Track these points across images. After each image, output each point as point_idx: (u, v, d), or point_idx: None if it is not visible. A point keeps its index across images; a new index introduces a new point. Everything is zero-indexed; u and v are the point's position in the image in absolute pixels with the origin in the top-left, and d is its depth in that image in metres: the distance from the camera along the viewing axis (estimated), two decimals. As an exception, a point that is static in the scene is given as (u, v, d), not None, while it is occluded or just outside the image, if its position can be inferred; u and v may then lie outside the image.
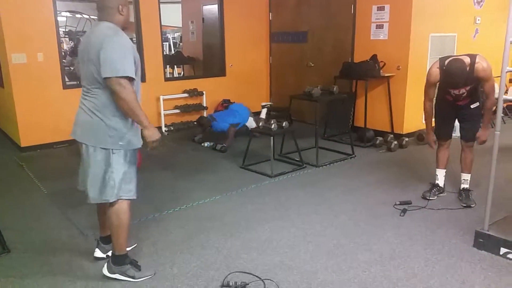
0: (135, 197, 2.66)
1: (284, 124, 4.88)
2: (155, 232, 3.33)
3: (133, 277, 2.70)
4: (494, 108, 3.41)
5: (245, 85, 7.73)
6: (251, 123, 6.15)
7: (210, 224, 3.45)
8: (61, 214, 3.73)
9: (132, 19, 6.34)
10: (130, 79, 2.42)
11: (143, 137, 2.57)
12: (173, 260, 2.91)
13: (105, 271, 2.72)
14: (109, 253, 2.84)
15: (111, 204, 2.59)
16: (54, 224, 3.52)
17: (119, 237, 2.64)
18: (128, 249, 2.84)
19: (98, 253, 2.92)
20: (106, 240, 2.91)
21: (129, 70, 2.40)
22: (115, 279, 2.70)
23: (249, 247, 3.06)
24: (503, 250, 2.87)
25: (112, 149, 2.51)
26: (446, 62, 3.42)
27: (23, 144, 5.69)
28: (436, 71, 3.52)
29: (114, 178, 2.53)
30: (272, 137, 4.67)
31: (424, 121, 3.91)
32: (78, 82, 8.29)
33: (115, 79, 2.36)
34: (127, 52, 2.42)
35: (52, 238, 3.27)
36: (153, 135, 2.53)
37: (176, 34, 12.89)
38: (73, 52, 9.99)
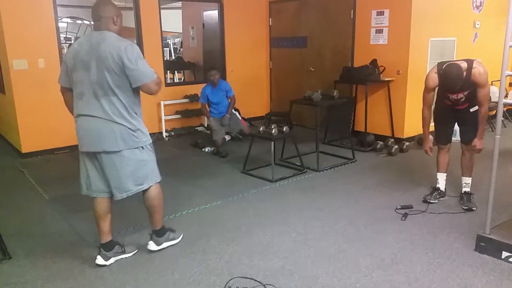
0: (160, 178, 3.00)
1: (284, 129, 4.89)
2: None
3: (174, 239, 3.17)
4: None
5: (245, 90, 7.74)
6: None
7: (211, 230, 3.45)
8: (62, 220, 3.73)
9: (132, 24, 6.40)
10: (158, 79, 2.75)
11: None
12: (174, 266, 2.90)
13: (152, 247, 3.06)
14: (113, 259, 2.97)
15: (146, 191, 2.91)
16: (55, 230, 3.52)
17: (159, 214, 3.03)
18: (129, 255, 3.02)
19: (100, 261, 2.92)
20: (108, 247, 2.96)
21: (152, 73, 2.68)
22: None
23: (250, 252, 3.06)
24: (505, 254, 2.87)
25: (141, 146, 2.79)
26: (444, 67, 3.43)
27: (24, 150, 5.70)
28: (434, 76, 3.53)
29: (146, 169, 2.85)
30: (272, 142, 4.67)
31: (422, 126, 3.90)
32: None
33: (151, 82, 2.67)
34: (143, 57, 2.69)
35: (53, 244, 3.26)
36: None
37: (177, 40, 12.95)
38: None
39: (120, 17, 2.75)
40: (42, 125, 5.73)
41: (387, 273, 2.77)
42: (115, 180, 2.79)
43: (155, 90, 2.71)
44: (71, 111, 2.87)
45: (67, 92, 2.84)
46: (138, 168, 2.80)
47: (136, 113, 2.77)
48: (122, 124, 2.68)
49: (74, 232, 3.47)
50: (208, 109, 6.33)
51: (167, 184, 4.52)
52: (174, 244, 3.16)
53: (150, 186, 2.90)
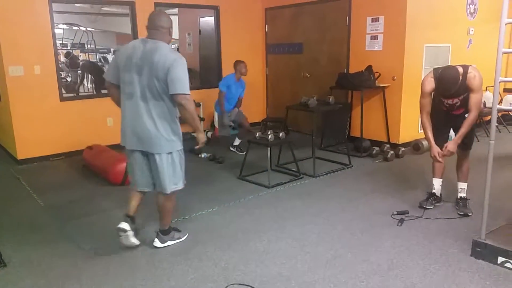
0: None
1: (281, 135, 4.90)
2: (152, 244, 3.30)
3: (179, 238, 3.35)
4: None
5: (241, 96, 7.76)
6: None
7: (207, 236, 3.44)
8: (58, 227, 3.72)
9: (129, 31, 6.42)
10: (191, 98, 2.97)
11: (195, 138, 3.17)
12: (170, 272, 2.89)
13: (157, 243, 3.25)
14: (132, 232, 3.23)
15: (167, 194, 3.13)
16: (51, 238, 3.50)
17: (169, 216, 3.28)
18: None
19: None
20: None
21: (188, 88, 2.90)
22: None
23: (246, 259, 3.05)
24: (500, 259, 2.88)
25: (178, 150, 3.08)
26: (440, 70, 3.46)
27: (20, 157, 5.68)
28: (430, 81, 3.55)
29: (180, 172, 3.14)
30: (269, 148, 4.68)
31: (424, 134, 3.85)
32: (74, 94, 8.34)
33: (182, 95, 2.87)
34: (186, 73, 2.91)
35: (48, 252, 3.24)
36: (203, 137, 3.17)
37: (173, 46, 12.99)
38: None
39: (172, 27, 3.06)
40: (38, 132, 5.72)
41: (383, 278, 2.77)
42: (158, 179, 3.09)
43: (184, 104, 2.89)
44: (118, 104, 3.13)
45: (113, 87, 3.10)
46: (174, 170, 3.09)
47: (175, 120, 3.04)
48: (165, 128, 2.97)
49: (70, 239, 3.46)
50: None
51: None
52: (179, 242, 3.33)
53: (175, 189, 3.16)
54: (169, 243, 3.28)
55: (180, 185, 3.17)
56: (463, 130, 3.53)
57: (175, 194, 3.22)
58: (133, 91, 2.94)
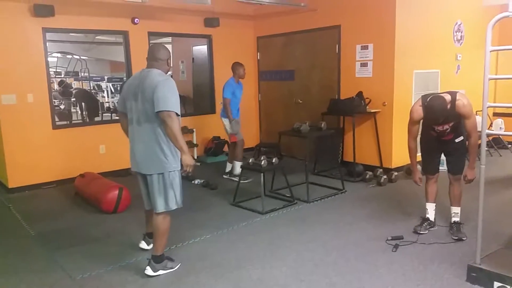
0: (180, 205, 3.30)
1: (274, 160, 4.90)
2: (143, 274, 3.23)
3: (171, 268, 3.29)
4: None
5: (234, 122, 7.80)
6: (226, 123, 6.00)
7: (200, 265, 3.39)
8: (48, 256, 3.64)
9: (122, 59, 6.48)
10: (175, 114, 2.98)
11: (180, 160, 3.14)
12: (163, 303, 2.83)
13: (148, 272, 3.20)
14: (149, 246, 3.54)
15: (158, 214, 3.19)
16: (40, 267, 3.42)
17: (163, 241, 3.24)
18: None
19: (143, 245, 3.60)
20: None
21: (176, 107, 2.99)
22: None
23: (240, 288, 3.00)
24: (496, 284, 2.85)
25: (172, 171, 3.13)
26: (428, 99, 3.51)
27: (11, 185, 5.61)
28: (419, 109, 3.60)
29: (173, 193, 3.18)
30: (262, 174, 4.67)
31: (409, 158, 3.93)
32: (68, 122, 8.34)
33: (166, 112, 2.94)
34: (175, 93, 3.03)
35: (37, 281, 3.17)
36: (189, 160, 3.08)
37: (169, 73, 13.09)
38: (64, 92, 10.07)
39: (169, 58, 3.25)
40: (30, 160, 5.68)
41: (379, 306, 2.73)
42: (152, 198, 3.20)
43: (167, 121, 2.95)
44: (126, 133, 3.36)
45: (123, 116, 3.33)
46: (165, 190, 3.14)
47: (167, 141, 3.09)
48: (155, 150, 3.09)
49: (60, 268, 3.38)
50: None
51: (156, 218, 4.47)
52: (170, 272, 3.29)
53: (162, 212, 3.20)
54: (160, 272, 3.23)
55: (172, 206, 3.19)
56: (472, 156, 3.64)
57: (168, 216, 3.24)
58: (131, 116, 3.18)
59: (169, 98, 2.97)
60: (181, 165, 3.13)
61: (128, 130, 3.26)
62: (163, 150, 3.08)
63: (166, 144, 3.09)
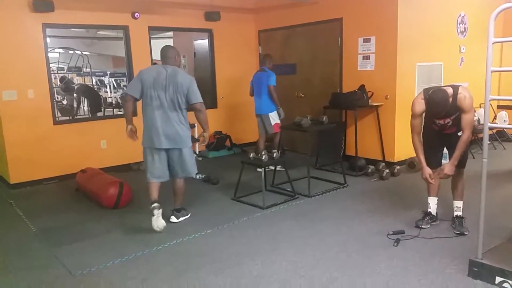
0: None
1: (275, 155, 4.88)
2: (143, 269, 3.25)
3: (187, 215, 4.32)
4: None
5: (236, 117, 7.78)
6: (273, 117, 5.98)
7: (200, 260, 3.38)
8: (49, 252, 3.64)
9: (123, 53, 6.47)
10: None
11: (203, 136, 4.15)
12: (162, 299, 2.83)
13: (173, 219, 4.20)
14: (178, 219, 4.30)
15: (182, 178, 4.19)
16: (41, 264, 3.42)
17: (182, 197, 4.27)
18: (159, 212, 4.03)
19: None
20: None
21: (201, 98, 4.01)
22: None
23: (240, 284, 2.99)
24: (498, 279, 2.82)
25: (189, 146, 4.12)
26: (430, 92, 3.47)
27: (13, 181, 5.62)
28: (421, 102, 3.55)
29: (194, 161, 4.20)
30: (263, 168, 4.65)
31: (416, 155, 3.85)
32: (70, 117, 8.34)
33: (199, 103, 3.99)
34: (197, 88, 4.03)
35: (37, 278, 3.17)
36: (207, 136, 4.15)
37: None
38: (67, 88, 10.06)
39: (179, 56, 4.20)
40: (31, 156, 5.68)
41: (379, 301, 2.71)
42: (185, 167, 4.11)
43: (201, 109, 4.00)
44: (128, 115, 4.13)
45: (132, 100, 4.07)
46: (192, 160, 4.16)
47: (188, 124, 4.09)
48: (184, 130, 4.04)
49: (60, 265, 3.38)
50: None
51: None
52: (187, 218, 4.31)
53: (192, 175, 4.24)
54: (181, 218, 4.23)
55: (196, 171, 4.25)
56: (458, 152, 3.52)
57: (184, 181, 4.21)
58: (160, 103, 3.94)
59: (199, 93, 4.00)
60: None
61: (154, 114, 3.96)
62: (186, 130, 4.05)
63: (187, 126, 4.07)
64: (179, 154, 4.06)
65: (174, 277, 3.11)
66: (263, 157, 4.68)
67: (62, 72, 11.14)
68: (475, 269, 2.93)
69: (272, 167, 5.34)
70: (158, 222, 3.88)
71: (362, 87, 5.90)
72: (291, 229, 3.97)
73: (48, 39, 5.85)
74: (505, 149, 7.02)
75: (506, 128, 7.39)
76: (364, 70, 6.07)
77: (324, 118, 5.34)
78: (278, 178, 5.29)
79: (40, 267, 3.36)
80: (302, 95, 7.12)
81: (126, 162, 6.38)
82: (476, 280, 2.90)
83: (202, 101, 3.99)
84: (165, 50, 4.10)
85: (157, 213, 3.90)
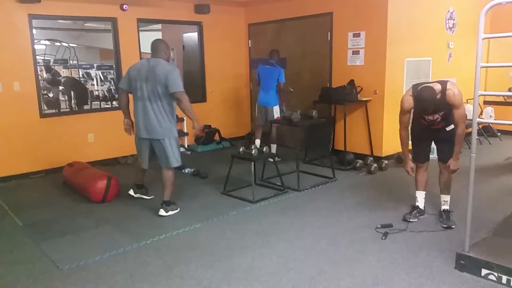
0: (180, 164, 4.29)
1: (264, 149, 4.87)
2: (132, 263, 3.23)
3: (176, 209, 4.27)
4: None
5: (226, 111, 7.76)
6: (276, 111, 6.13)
7: (189, 254, 3.37)
8: (36, 246, 3.60)
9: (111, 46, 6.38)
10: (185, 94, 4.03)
11: (193, 127, 4.16)
12: (152, 293, 2.81)
13: (162, 213, 4.16)
14: (139, 195, 4.67)
15: (168, 169, 4.19)
16: (28, 258, 3.38)
17: (170, 189, 4.22)
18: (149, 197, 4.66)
19: (162, 213, 4.21)
20: (139, 187, 4.66)
21: (182, 88, 4.01)
22: None
23: (230, 277, 2.99)
24: (484, 272, 2.87)
25: (174, 137, 4.16)
26: (418, 89, 3.49)
27: (-2, 175, 5.53)
28: (409, 99, 3.58)
29: (176, 153, 4.18)
30: (253, 162, 4.64)
31: (401, 149, 3.92)
32: (56, 110, 8.23)
33: (179, 93, 3.98)
34: (179, 78, 4.04)
35: (24, 273, 3.12)
36: (198, 126, 4.15)
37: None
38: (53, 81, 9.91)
39: (168, 49, 4.20)
40: (17, 149, 5.59)
41: (368, 294, 2.73)
42: (165, 158, 4.14)
43: (181, 98, 3.99)
44: (123, 108, 4.31)
45: (125, 94, 4.26)
46: (173, 150, 4.14)
47: (171, 115, 4.11)
48: (164, 121, 4.06)
49: (48, 259, 3.34)
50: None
51: (144, 207, 4.46)
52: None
53: (175, 166, 4.19)
54: (170, 212, 4.19)
55: (179, 162, 4.21)
56: (457, 146, 3.60)
57: (172, 171, 4.20)
58: (141, 94, 4.05)
59: (179, 83, 3.99)
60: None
61: (137, 104, 4.10)
62: (166, 122, 4.06)
63: (169, 118, 4.07)
64: (160, 145, 4.12)
65: (163, 271, 3.10)
66: (253, 151, 4.67)
67: (49, 64, 10.94)
68: (462, 262, 2.98)
69: (271, 160, 5.38)
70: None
71: (351, 82, 5.92)
72: (280, 223, 3.98)
73: (34, 31, 5.74)
74: (490, 144, 7.12)
75: (494, 124, 7.49)
76: (354, 65, 6.09)
77: (313, 113, 5.35)
78: (268, 172, 5.29)
79: (27, 261, 3.31)
80: (292, 89, 7.10)
81: (113, 156, 6.32)
82: (463, 273, 2.95)
83: (182, 90, 3.97)
84: (155, 44, 4.15)
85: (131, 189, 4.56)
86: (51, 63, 10.86)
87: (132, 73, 4.11)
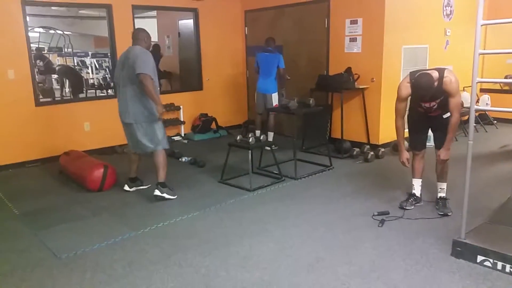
0: (168, 147, 4.40)
1: (262, 137, 4.86)
2: (131, 251, 3.23)
3: (172, 196, 4.31)
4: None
5: (222, 99, 7.73)
6: (275, 98, 6.15)
7: (187, 242, 3.38)
8: (33, 235, 3.59)
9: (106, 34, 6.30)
10: (150, 77, 3.99)
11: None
12: (150, 281, 2.82)
13: (157, 193, 4.23)
14: (134, 188, 4.62)
15: (156, 152, 4.27)
16: (24, 246, 3.38)
17: (162, 171, 4.28)
18: (146, 187, 4.67)
19: (126, 187, 4.56)
20: (132, 180, 4.62)
21: (148, 71, 3.98)
22: None
23: (227, 265, 3.00)
24: (480, 258, 2.90)
25: (150, 121, 4.19)
26: (416, 76, 3.48)
27: (-6, 163, 5.51)
28: (406, 85, 3.57)
29: (158, 136, 4.24)
30: (250, 151, 4.64)
31: (396, 138, 3.91)
32: (52, 99, 8.17)
33: (142, 75, 3.95)
34: (148, 62, 4.04)
35: (21, 262, 3.13)
36: (160, 109, 4.12)
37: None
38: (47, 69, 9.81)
39: (149, 38, 4.27)
40: (12, 138, 5.56)
41: (365, 281, 2.76)
42: (134, 141, 4.30)
43: (142, 80, 3.94)
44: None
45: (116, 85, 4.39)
46: (147, 135, 4.21)
47: (146, 99, 4.10)
48: (137, 106, 4.13)
49: (45, 248, 3.34)
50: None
51: (142, 196, 4.46)
52: (171, 199, 4.32)
53: (159, 149, 4.25)
54: (165, 194, 4.25)
55: (159, 147, 4.25)
56: (450, 135, 3.59)
57: (162, 152, 4.27)
58: (119, 81, 4.23)
59: (144, 65, 3.96)
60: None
61: (117, 92, 4.29)
62: (138, 106, 4.12)
63: (142, 103, 4.12)
64: (130, 128, 4.25)
65: (161, 259, 3.11)
66: (250, 140, 4.66)
67: (44, 52, 10.82)
68: (458, 248, 3.00)
69: (268, 148, 5.38)
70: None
71: (348, 70, 5.90)
72: (278, 211, 4.00)
73: (28, 18, 5.66)
74: (486, 131, 7.15)
75: (491, 111, 7.51)
76: (351, 52, 6.06)
77: (311, 101, 5.33)
78: (265, 160, 5.29)
79: (24, 250, 3.31)
80: (289, 77, 7.06)
81: (110, 145, 6.30)
82: (459, 259, 2.98)
83: (145, 72, 3.92)
84: (135, 32, 4.25)
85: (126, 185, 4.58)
86: (45, 51, 10.74)
87: (117, 65, 4.30)
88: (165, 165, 4.29)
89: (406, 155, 3.83)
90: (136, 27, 6.50)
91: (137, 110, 4.13)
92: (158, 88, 4.33)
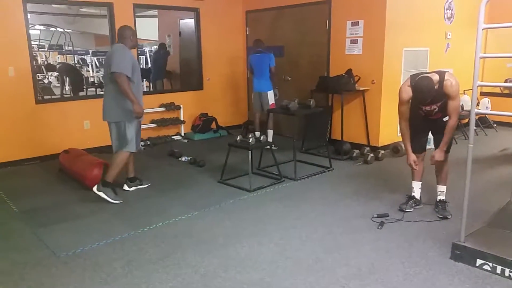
0: (134, 151, 4.34)
1: (262, 138, 4.86)
2: (130, 251, 3.23)
3: (110, 198, 4.13)
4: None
5: (223, 99, 7.73)
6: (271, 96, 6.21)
7: (187, 242, 3.38)
8: (32, 233, 3.59)
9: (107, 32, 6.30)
10: (127, 76, 3.97)
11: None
12: (148, 280, 2.82)
13: (94, 189, 4.15)
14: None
15: (117, 152, 4.25)
16: (24, 245, 3.38)
17: (115, 171, 4.19)
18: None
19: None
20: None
21: (125, 70, 3.94)
22: None
23: (227, 265, 3.00)
24: (479, 262, 2.90)
25: (126, 121, 4.16)
26: (416, 79, 3.48)
27: (-8, 161, 5.50)
28: (407, 89, 3.57)
29: (127, 137, 4.19)
30: (250, 151, 4.64)
31: (402, 141, 3.90)
32: (51, 97, 8.16)
33: (116, 73, 3.93)
34: (126, 60, 4.00)
35: (21, 260, 3.12)
36: (137, 108, 4.07)
37: (153, 48, 12.84)
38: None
39: (135, 36, 4.27)
40: (12, 135, 5.55)
41: (364, 283, 2.76)
42: (114, 140, 4.29)
43: (117, 79, 3.93)
44: None
45: None
46: (119, 135, 4.19)
47: (121, 97, 4.04)
48: (113, 104, 4.13)
49: (44, 246, 3.34)
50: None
51: (142, 195, 4.45)
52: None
53: (123, 150, 4.21)
54: (101, 194, 4.13)
55: (125, 149, 4.20)
56: (446, 137, 3.59)
57: (124, 154, 4.22)
58: (105, 80, 4.26)
59: (119, 63, 3.92)
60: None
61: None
62: (113, 104, 4.13)
63: (119, 101, 4.09)
64: (109, 127, 4.30)
65: (160, 258, 3.10)
66: (250, 140, 4.66)
67: (43, 49, 10.83)
68: (457, 252, 3.00)
69: (267, 146, 5.38)
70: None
71: (349, 71, 5.90)
72: (277, 212, 4.00)
73: (28, 15, 5.66)
74: (486, 135, 7.15)
75: (491, 115, 7.51)
76: (352, 54, 6.06)
77: (311, 102, 5.34)
78: (265, 161, 5.29)
79: (23, 249, 3.31)
80: (289, 78, 7.08)
81: (110, 143, 6.26)
82: (458, 263, 2.98)
83: (119, 71, 3.90)
84: (121, 30, 4.21)
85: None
86: (46, 49, 10.73)
87: (104, 63, 4.46)
88: (120, 167, 4.21)
89: (413, 157, 3.81)
90: (137, 26, 6.53)
91: (112, 108, 4.15)
92: (141, 86, 4.32)
